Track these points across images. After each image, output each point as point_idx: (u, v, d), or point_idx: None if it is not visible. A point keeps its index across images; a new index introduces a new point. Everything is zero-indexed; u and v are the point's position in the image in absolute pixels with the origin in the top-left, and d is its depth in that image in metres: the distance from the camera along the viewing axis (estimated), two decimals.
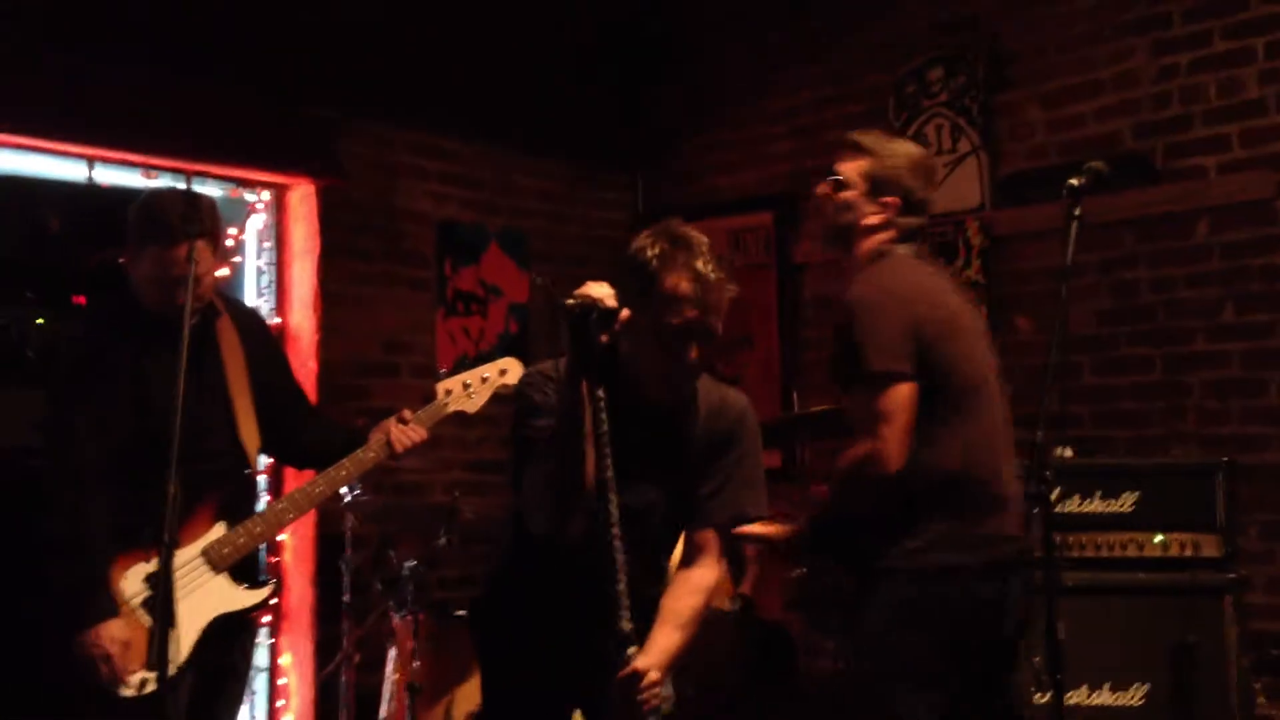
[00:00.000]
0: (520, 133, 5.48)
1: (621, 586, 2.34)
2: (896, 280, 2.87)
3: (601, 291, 2.43)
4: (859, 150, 3.00)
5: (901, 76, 5.12)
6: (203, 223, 2.86)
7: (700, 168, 5.77)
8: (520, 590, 2.73)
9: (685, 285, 2.47)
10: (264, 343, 3.35)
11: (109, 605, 2.88)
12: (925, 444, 2.74)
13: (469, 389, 3.24)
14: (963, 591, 2.75)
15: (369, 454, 3.17)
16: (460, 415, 3.29)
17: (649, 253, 2.51)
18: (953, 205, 4.92)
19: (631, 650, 2.38)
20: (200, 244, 2.75)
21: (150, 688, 2.73)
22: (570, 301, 2.41)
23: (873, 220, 2.95)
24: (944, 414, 2.79)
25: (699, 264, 2.49)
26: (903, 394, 2.75)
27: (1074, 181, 2.61)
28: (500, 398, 3.22)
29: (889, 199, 2.95)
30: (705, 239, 2.56)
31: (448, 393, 3.24)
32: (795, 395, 5.15)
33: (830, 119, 5.30)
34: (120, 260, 3.11)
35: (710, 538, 2.70)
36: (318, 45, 4.81)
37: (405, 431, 3.18)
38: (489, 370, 3.26)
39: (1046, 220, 4.56)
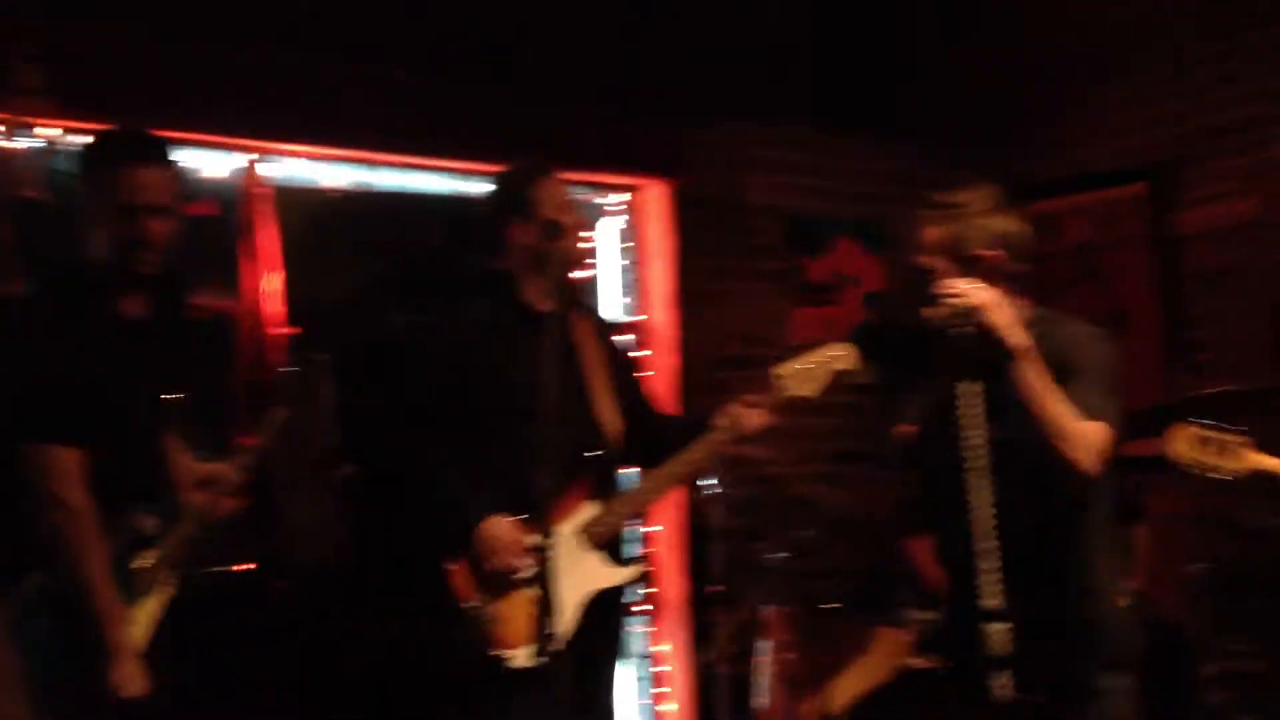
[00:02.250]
0: (868, 117, 5.36)
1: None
2: None
3: (968, 290, 2.40)
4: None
5: None
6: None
7: (1062, 138, 5.44)
8: None
9: None
10: (617, 346, 3.52)
11: (489, 507, 3.02)
12: None
13: (807, 374, 3.20)
14: None
15: (717, 436, 3.22)
16: (815, 405, 3.26)
17: None
18: None
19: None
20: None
21: (538, 659, 2.83)
22: (937, 308, 2.40)
23: None
24: None
25: None
26: None
27: None
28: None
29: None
30: None
31: (787, 377, 3.22)
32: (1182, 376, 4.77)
33: (1214, 78, 4.88)
34: (493, 264, 3.30)
35: None
36: (662, 50, 4.87)
37: (749, 415, 3.21)
38: (825, 356, 3.21)
39: None
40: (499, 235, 3.24)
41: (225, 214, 4.13)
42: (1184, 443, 2.82)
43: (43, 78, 3.62)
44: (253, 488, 2.95)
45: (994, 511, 2.27)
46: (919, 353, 2.55)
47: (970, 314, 2.39)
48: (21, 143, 3.74)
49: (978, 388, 2.35)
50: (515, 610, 2.99)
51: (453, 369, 3.17)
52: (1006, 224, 2.66)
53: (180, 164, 3.16)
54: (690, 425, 3.36)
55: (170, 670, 2.71)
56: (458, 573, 3.04)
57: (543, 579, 2.64)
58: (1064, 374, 2.55)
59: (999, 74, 5.60)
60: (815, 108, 5.24)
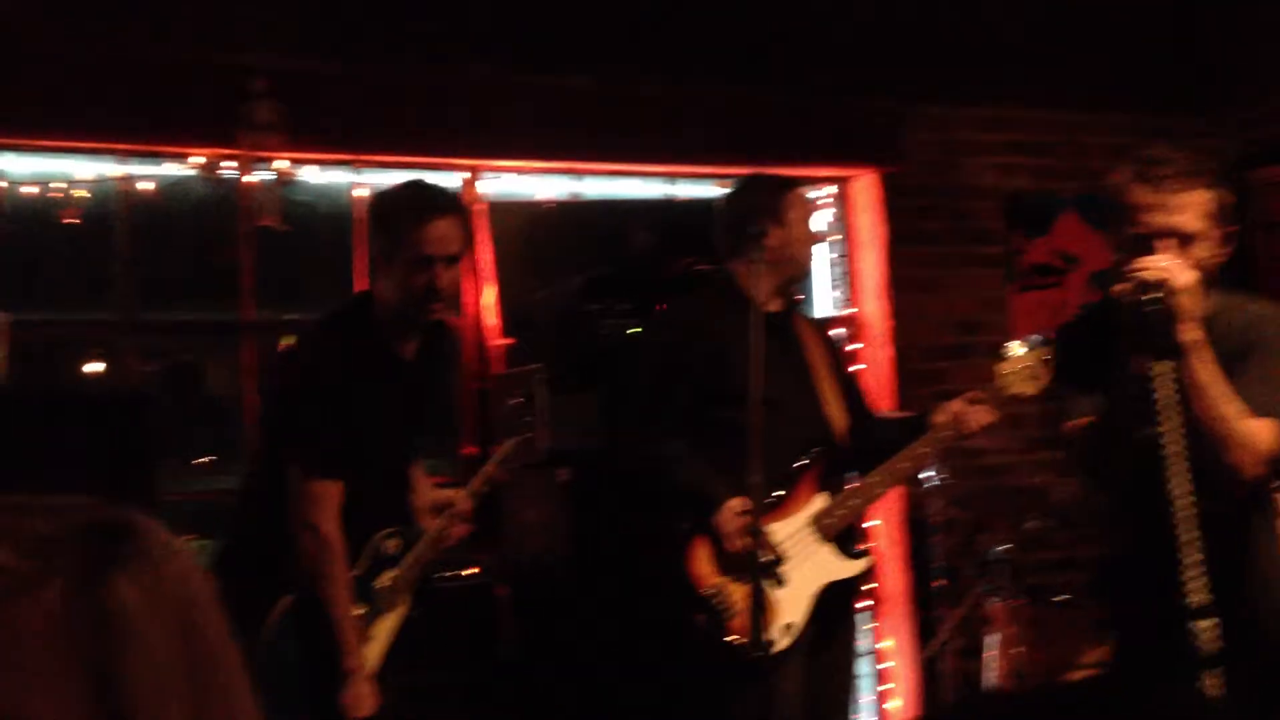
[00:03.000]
0: (1083, 91, 5.16)
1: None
2: None
3: (1161, 266, 2.28)
4: None
5: None
6: None
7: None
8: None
9: None
10: (836, 346, 3.63)
11: (725, 490, 3.07)
12: None
13: (1028, 371, 3.14)
14: None
15: (944, 433, 3.19)
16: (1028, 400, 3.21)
17: None
18: None
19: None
20: None
21: (776, 648, 2.88)
22: (1125, 285, 2.28)
23: None
24: None
25: None
26: None
27: None
28: None
29: None
30: None
31: (1009, 375, 3.15)
32: None
33: None
34: (699, 266, 3.38)
35: None
36: (869, 40, 4.82)
37: (975, 412, 3.16)
38: (1049, 352, 3.13)
39: None
40: (742, 235, 3.29)
41: None
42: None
43: (274, 113, 3.86)
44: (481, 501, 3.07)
45: (1194, 500, 2.16)
46: (1107, 335, 2.43)
47: (1160, 288, 2.25)
48: (258, 176, 4.01)
49: (1170, 367, 2.23)
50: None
51: (683, 363, 3.25)
52: (1224, 197, 2.48)
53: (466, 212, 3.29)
54: (908, 422, 3.36)
55: (401, 679, 2.87)
56: (698, 557, 3.11)
57: (779, 569, 2.69)
58: (1241, 357, 2.41)
59: (1219, 35, 5.31)
60: (1028, 84, 5.08)
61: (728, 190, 3.50)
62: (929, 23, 4.91)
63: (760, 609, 2.73)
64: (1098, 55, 5.16)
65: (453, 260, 2.87)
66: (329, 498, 2.77)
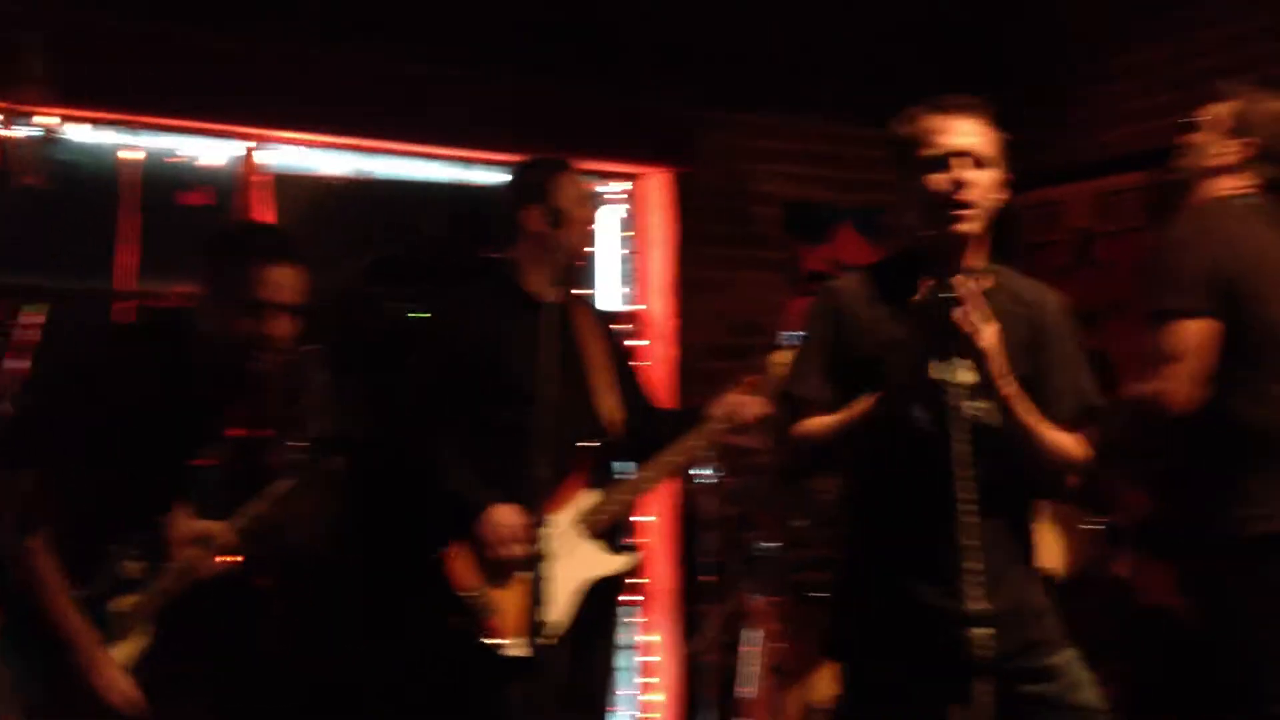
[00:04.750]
0: (869, 107, 5.30)
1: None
2: (1212, 222, 2.80)
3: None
4: (1224, 95, 2.95)
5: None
6: None
7: (1061, 127, 5.41)
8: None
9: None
10: (616, 338, 3.58)
11: (492, 496, 3.06)
12: (1230, 394, 2.61)
13: None
14: None
15: (714, 425, 3.23)
16: None
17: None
18: None
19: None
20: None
21: (531, 649, 2.86)
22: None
23: (1228, 159, 2.89)
24: (1250, 364, 2.67)
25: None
26: (1191, 332, 2.64)
27: None
28: None
29: (1249, 140, 2.89)
30: None
31: (782, 365, 3.23)
32: None
33: (1211, 67, 4.85)
34: (490, 254, 3.34)
35: None
36: (667, 40, 4.86)
37: (745, 404, 3.23)
38: None
39: None
40: (511, 221, 3.26)
41: (221, 203, 4.15)
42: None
43: (43, 66, 3.64)
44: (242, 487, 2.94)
45: (977, 508, 2.22)
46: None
47: (953, 288, 2.30)
48: (21, 131, 3.77)
49: (963, 368, 2.29)
50: (513, 599, 3.03)
51: (455, 357, 3.20)
52: (1001, 140, 2.53)
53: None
54: (687, 415, 3.39)
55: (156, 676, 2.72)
56: (457, 561, 3.07)
57: (539, 567, 2.66)
58: (1037, 348, 2.49)
59: (1000, 60, 5.56)
60: (818, 96, 5.22)
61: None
62: (726, 27, 4.98)
63: (535, 609, 2.70)
64: (887, 71, 5.33)
65: (289, 310, 2.75)
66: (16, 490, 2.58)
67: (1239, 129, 2.93)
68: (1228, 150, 2.92)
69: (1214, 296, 2.70)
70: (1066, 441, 2.47)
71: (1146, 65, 5.09)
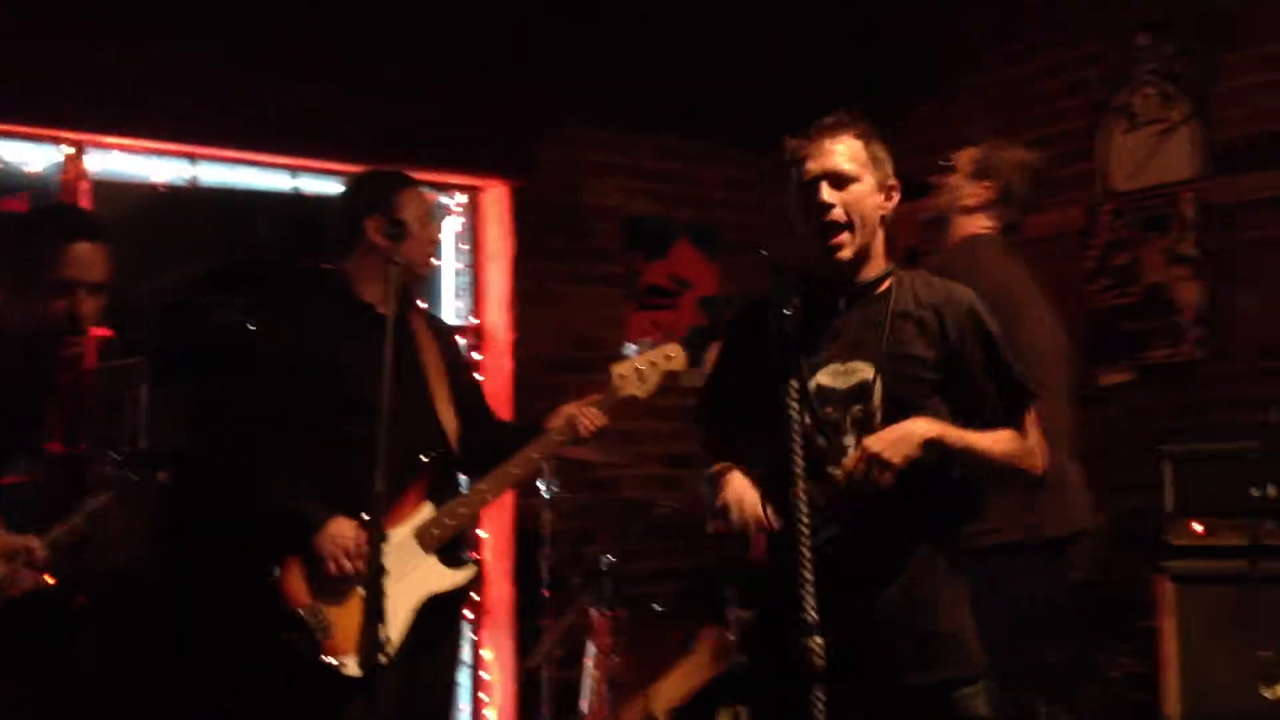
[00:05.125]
0: (707, 125, 5.42)
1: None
2: (972, 256, 3.17)
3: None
4: (973, 140, 3.34)
5: (1105, 46, 4.88)
6: None
7: (899, 154, 5.56)
8: None
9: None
10: (456, 349, 3.52)
11: (327, 512, 2.99)
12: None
13: (640, 374, 3.25)
14: (1016, 568, 2.98)
15: (555, 437, 3.24)
16: (650, 407, 3.32)
17: None
18: (1164, 177, 4.67)
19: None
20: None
21: (367, 668, 2.80)
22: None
23: (974, 200, 3.26)
24: None
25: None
26: None
27: None
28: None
29: (990, 183, 3.27)
30: None
31: (621, 377, 3.26)
32: None
33: (1035, 94, 5.09)
34: (324, 264, 3.27)
35: None
36: (507, 53, 4.86)
37: (583, 416, 3.24)
38: (658, 355, 3.27)
39: (1270, 188, 4.29)
40: (350, 231, 3.20)
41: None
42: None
43: None
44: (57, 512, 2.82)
45: (807, 520, 2.25)
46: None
47: (789, 304, 2.36)
48: None
49: (795, 385, 2.32)
50: (349, 616, 2.95)
51: (290, 368, 3.12)
52: (876, 149, 2.61)
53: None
54: (526, 428, 3.37)
55: None
56: (291, 576, 3.00)
57: (377, 582, 2.60)
58: (958, 356, 2.56)
59: (843, 87, 5.68)
60: (656, 113, 5.28)
61: (344, 186, 3.41)
62: (567, 40, 4.99)
63: (372, 626, 2.64)
64: (724, 95, 5.42)
65: (95, 289, 2.69)
66: None
67: (980, 173, 3.28)
68: (974, 192, 3.27)
69: None
70: (1013, 447, 2.55)
71: (986, 86, 5.28)
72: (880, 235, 2.60)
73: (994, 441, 2.53)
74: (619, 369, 3.27)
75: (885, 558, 2.51)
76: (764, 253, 4.25)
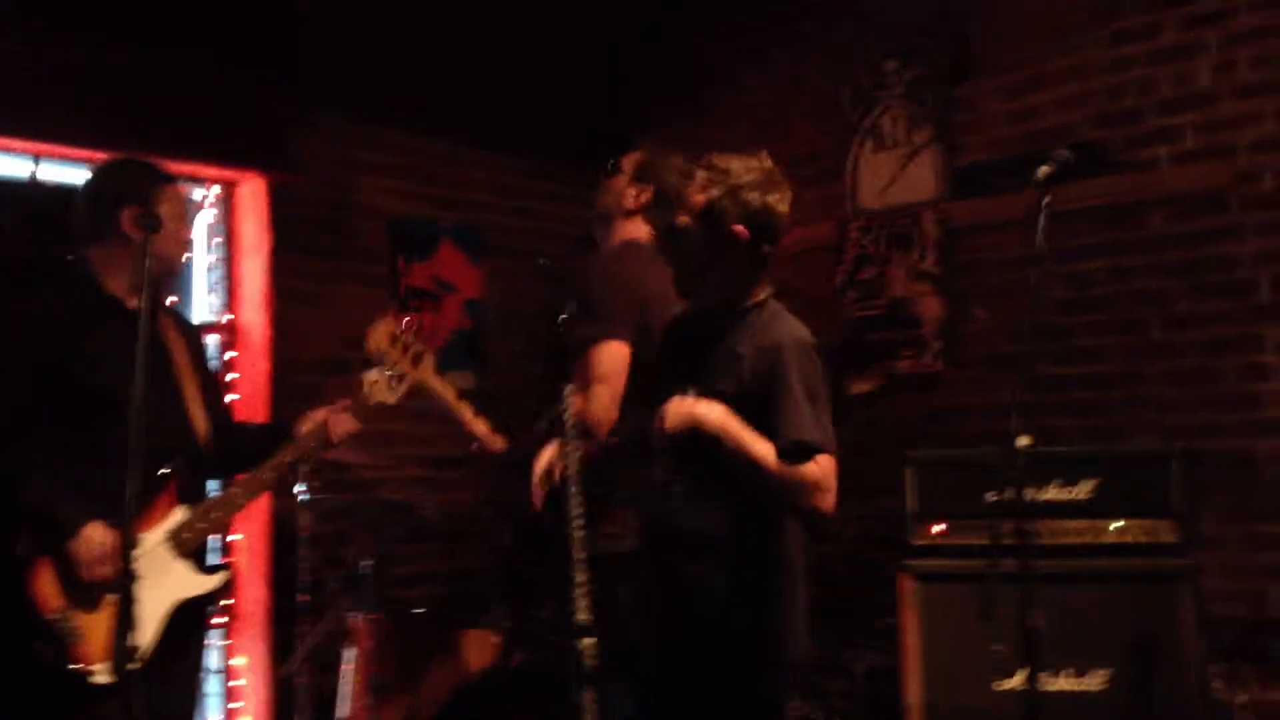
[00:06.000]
0: (475, 127, 5.41)
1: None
2: (626, 259, 3.31)
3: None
4: (637, 145, 3.49)
5: (857, 70, 5.14)
6: None
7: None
8: None
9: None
10: (203, 348, 3.44)
11: (84, 515, 2.86)
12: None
13: (388, 381, 3.25)
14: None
15: (308, 441, 3.22)
16: (409, 410, 3.34)
17: None
18: (908, 197, 4.95)
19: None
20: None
21: (117, 675, 2.68)
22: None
23: (629, 204, 3.40)
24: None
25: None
26: (617, 354, 3.10)
27: (1045, 169, 2.63)
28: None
29: (645, 187, 3.40)
30: None
31: (373, 384, 3.25)
32: None
33: (790, 112, 5.30)
34: (66, 254, 3.11)
35: None
36: (268, 39, 4.71)
37: (340, 420, 3.24)
38: (407, 363, 3.28)
39: (1004, 211, 4.60)
40: (98, 221, 3.05)
41: None
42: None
43: None
44: None
45: (583, 524, 2.29)
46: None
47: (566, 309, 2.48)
48: None
49: (570, 389, 2.38)
50: (100, 622, 2.84)
51: (35, 362, 2.95)
52: (769, 202, 2.73)
53: None
54: (276, 430, 3.32)
55: None
56: (41, 581, 2.84)
57: (128, 588, 2.51)
58: (768, 397, 2.65)
59: (612, 95, 5.79)
60: (423, 113, 5.23)
61: (91, 173, 3.25)
62: (333, 34, 4.89)
63: (123, 634, 2.53)
64: (494, 98, 5.42)
65: None
66: None
67: (640, 176, 3.43)
68: (632, 195, 3.40)
69: (629, 324, 3.10)
70: (795, 476, 2.61)
71: (739, 108, 5.47)
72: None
73: (778, 463, 2.60)
74: (370, 376, 3.27)
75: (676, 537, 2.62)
76: (544, 262, 4.37)
